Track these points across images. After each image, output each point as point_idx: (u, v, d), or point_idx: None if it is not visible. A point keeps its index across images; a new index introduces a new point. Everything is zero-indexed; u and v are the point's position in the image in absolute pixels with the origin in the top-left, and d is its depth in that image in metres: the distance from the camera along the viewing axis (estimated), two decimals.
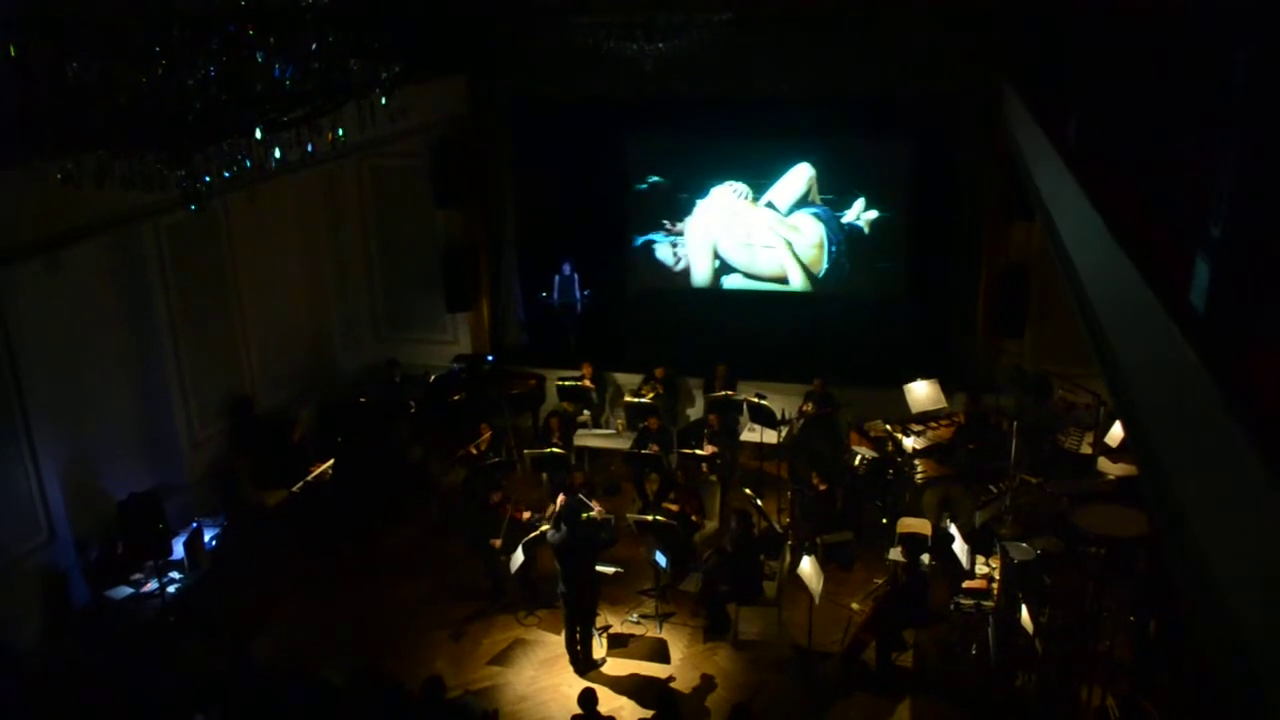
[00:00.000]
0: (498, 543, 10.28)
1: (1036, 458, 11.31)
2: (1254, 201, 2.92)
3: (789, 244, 14.35)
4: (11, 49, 3.84)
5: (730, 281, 15.00)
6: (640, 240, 15.05)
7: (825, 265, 14.50)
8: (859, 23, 12.41)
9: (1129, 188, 4.93)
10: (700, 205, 14.75)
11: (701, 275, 15.04)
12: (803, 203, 14.36)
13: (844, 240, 14.38)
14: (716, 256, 14.83)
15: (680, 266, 15.02)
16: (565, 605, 9.56)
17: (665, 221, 14.88)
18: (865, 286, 14.64)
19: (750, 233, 14.60)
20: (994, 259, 13.15)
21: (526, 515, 10.49)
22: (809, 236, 14.38)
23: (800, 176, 14.24)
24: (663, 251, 14.99)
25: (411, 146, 13.76)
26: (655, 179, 14.78)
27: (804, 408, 12.41)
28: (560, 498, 10.14)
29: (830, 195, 14.30)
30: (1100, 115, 5.92)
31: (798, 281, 14.68)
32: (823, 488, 11.02)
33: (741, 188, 14.51)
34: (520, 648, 9.96)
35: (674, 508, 10.64)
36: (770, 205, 14.48)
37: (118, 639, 9.32)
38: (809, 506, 11.08)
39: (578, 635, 9.58)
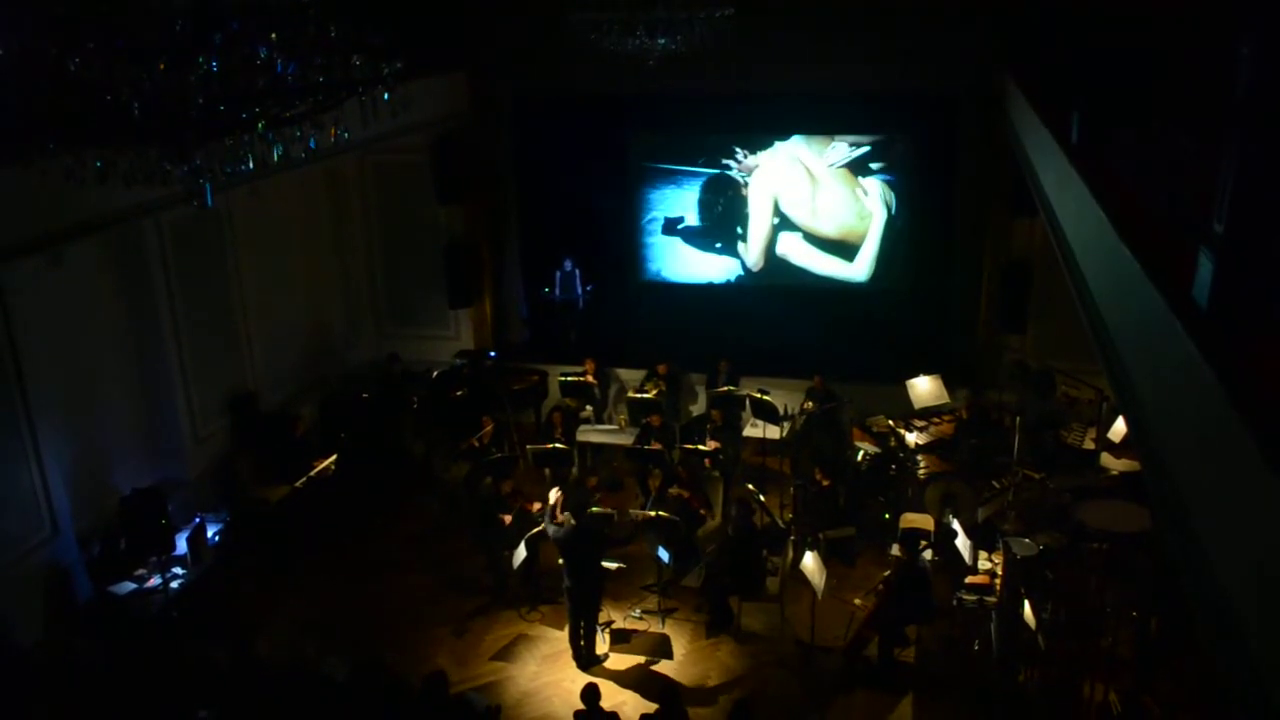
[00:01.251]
0: (508, 518, 10.29)
1: (1039, 453, 11.30)
2: (1257, 197, 2.91)
3: (870, 203, 13.77)
4: (15, 45, 3.84)
5: (784, 245, 14.51)
6: (709, 174, 14.46)
7: (882, 234, 14.11)
8: (860, 18, 12.39)
9: (1132, 183, 4.92)
10: (774, 149, 14.17)
11: (760, 229, 14.53)
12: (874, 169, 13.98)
13: (908, 215, 14.09)
14: (777, 212, 14.32)
15: (745, 191, 14.41)
16: (569, 600, 9.57)
17: (740, 150, 14.34)
18: (869, 281, 14.62)
19: (818, 190, 14.02)
20: (997, 255, 13.15)
21: (537, 507, 10.50)
22: (875, 198, 14.01)
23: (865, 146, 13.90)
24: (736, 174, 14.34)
25: (414, 143, 13.76)
26: (738, 107, 13.92)
27: (804, 405, 12.39)
28: (555, 492, 10.14)
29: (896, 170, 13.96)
30: (1103, 111, 5.91)
31: (870, 250, 14.11)
32: (825, 484, 11.03)
33: (837, 150, 13.90)
34: (523, 643, 9.98)
35: (685, 494, 10.65)
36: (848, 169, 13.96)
37: (121, 634, 9.34)
38: (812, 502, 11.09)
39: (581, 630, 9.60)
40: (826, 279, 14.64)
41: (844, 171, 14.01)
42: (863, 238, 14.19)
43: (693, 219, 14.88)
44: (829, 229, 14.22)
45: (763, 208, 14.31)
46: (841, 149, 13.88)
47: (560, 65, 13.16)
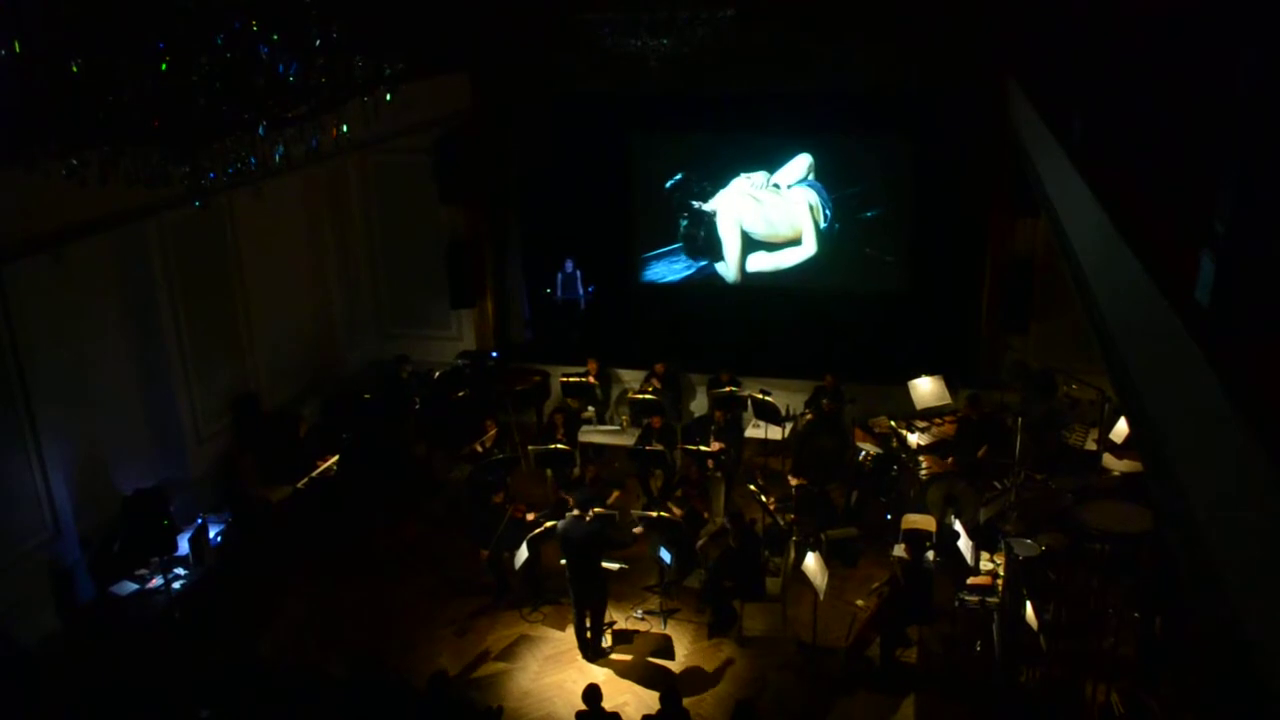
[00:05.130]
0: (485, 554, 10.31)
1: (1041, 454, 11.30)
2: (1259, 198, 2.91)
3: (808, 207, 14.93)
4: (16, 45, 3.84)
5: (753, 262, 15.15)
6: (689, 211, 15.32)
7: (823, 223, 14.83)
8: (863, 18, 12.37)
9: (1134, 183, 4.92)
10: (724, 192, 15.04)
11: (732, 254, 15.24)
12: (800, 181, 14.85)
13: (833, 206, 14.69)
14: (743, 234, 15.18)
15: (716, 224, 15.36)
16: (574, 596, 9.61)
17: (694, 203, 15.13)
18: (870, 282, 14.65)
19: (767, 207, 15.00)
20: (999, 255, 13.13)
21: (531, 516, 10.49)
22: (808, 199, 14.84)
23: (801, 163, 14.76)
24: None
25: (416, 143, 13.76)
26: (680, 175, 15.02)
27: (822, 404, 12.35)
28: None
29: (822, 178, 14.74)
30: (1105, 111, 5.91)
31: (810, 239, 14.91)
32: (795, 482, 11.08)
33: (757, 177, 14.89)
34: (525, 643, 9.98)
35: (679, 512, 10.59)
36: (775, 186, 14.94)
37: (123, 635, 9.34)
38: (809, 503, 11.09)
39: (587, 622, 9.61)
40: (793, 269, 15.10)
41: (773, 188, 14.98)
42: (810, 226, 15.06)
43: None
44: (786, 231, 15.15)
45: (732, 236, 15.31)
46: (763, 175, 15.01)
47: (562, 65, 13.17)
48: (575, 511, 9.60)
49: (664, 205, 15.22)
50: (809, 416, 12.32)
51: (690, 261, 15.46)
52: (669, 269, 15.53)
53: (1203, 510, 3.12)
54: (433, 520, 12.05)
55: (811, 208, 14.79)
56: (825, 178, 14.65)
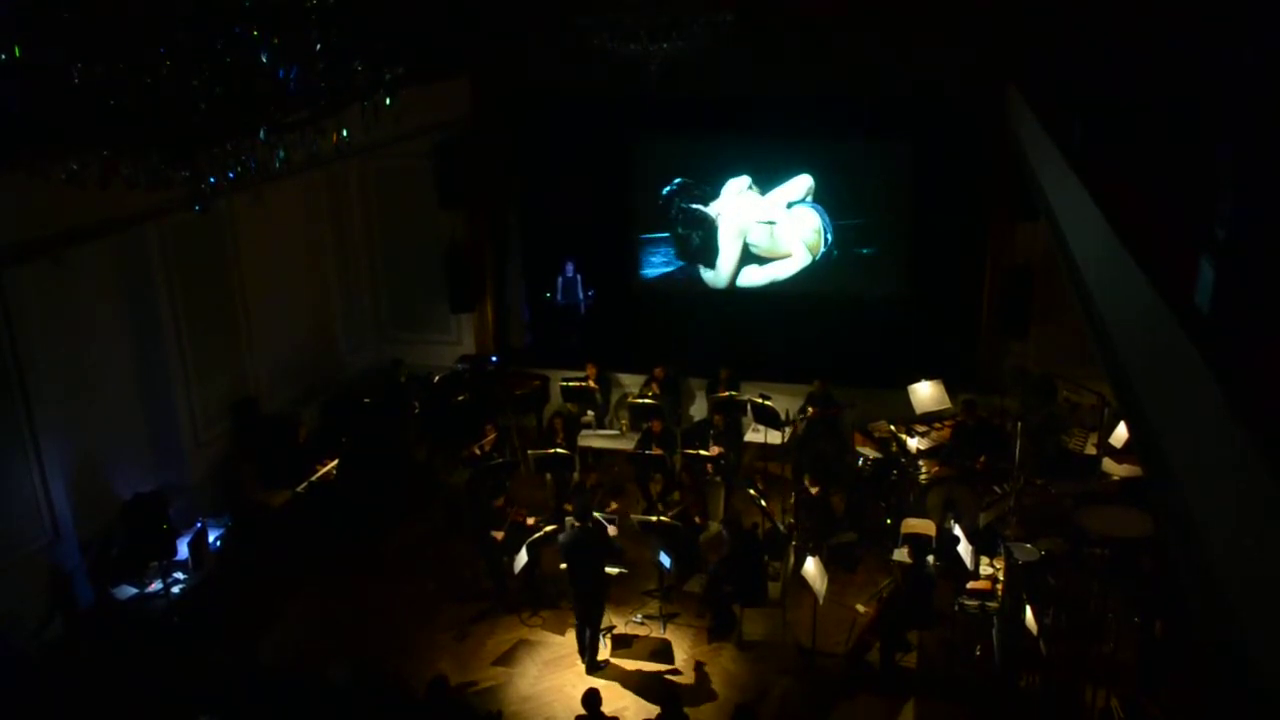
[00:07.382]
0: (499, 535, 10.29)
1: (1041, 459, 11.30)
2: (1258, 203, 2.91)
3: (810, 230, 14.88)
4: (16, 50, 3.84)
5: (745, 276, 15.05)
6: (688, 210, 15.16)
7: (822, 249, 14.73)
8: (864, 23, 12.39)
9: (1134, 188, 4.92)
10: (727, 199, 14.89)
11: (727, 262, 15.09)
12: (802, 200, 14.75)
13: (835, 230, 14.63)
14: (745, 246, 15.04)
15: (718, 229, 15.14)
16: (575, 604, 9.61)
17: (696, 205, 15.02)
18: (869, 286, 14.65)
19: (771, 216, 14.91)
20: (999, 259, 13.14)
21: (532, 521, 10.48)
22: (811, 223, 14.76)
23: (801, 184, 14.64)
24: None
25: (416, 147, 13.76)
26: (680, 180, 14.92)
27: (807, 410, 12.37)
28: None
29: (825, 199, 14.62)
30: (1105, 116, 5.91)
31: (800, 259, 14.87)
32: (814, 490, 11.03)
33: (748, 180, 14.80)
34: (524, 648, 9.97)
35: (670, 514, 10.59)
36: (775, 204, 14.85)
37: (123, 639, 9.33)
38: (807, 509, 11.08)
39: (587, 633, 9.61)
40: (786, 280, 14.97)
41: (781, 206, 14.84)
42: (803, 249, 14.92)
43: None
44: (786, 248, 14.97)
45: (732, 246, 15.10)
46: (779, 193, 14.78)
47: (563, 69, 13.17)
48: (575, 522, 9.59)
49: (664, 207, 15.15)
50: (797, 428, 12.31)
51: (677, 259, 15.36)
52: (657, 258, 15.38)
53: (1202, 515, 3.12)
54: (432, 525, 12.05)
55: (812, 231, 14.69)
56: (825, 200, 14.51)
